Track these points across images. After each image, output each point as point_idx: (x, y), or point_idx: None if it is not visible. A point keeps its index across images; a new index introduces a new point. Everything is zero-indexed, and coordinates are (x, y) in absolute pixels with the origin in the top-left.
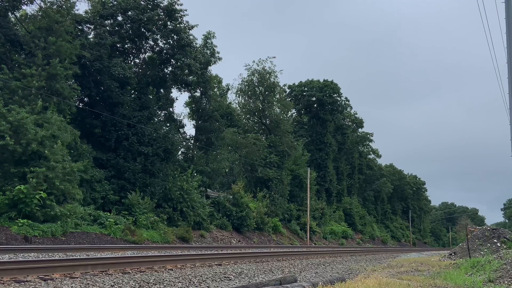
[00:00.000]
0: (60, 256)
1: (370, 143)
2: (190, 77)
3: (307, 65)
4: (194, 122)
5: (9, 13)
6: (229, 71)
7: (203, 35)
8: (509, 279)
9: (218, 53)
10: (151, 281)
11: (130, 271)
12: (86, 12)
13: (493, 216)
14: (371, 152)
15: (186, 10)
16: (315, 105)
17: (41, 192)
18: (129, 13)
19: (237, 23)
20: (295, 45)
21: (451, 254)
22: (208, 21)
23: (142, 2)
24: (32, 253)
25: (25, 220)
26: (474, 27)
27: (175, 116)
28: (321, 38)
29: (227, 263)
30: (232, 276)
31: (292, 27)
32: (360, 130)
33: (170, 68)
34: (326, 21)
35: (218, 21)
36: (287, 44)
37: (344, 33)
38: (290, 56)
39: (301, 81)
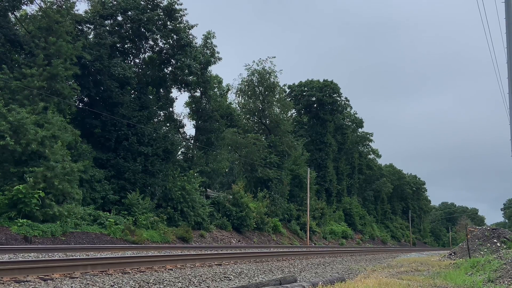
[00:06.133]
0: (60, 256)
1: (370, 143)
2: (190, 77)
3: (302, 57)
4: (194, 122)
5: (9, 13)
6: (220, 63)
7: (203, 35)
8: (509, 279)
9: (218, 53)
10: (151, 281)
11: (130, 271)
12: (86, 12)
13: (493, 216)
14: (371, 152)
15: (185, 10)
16: (315, 105)
17: (40, 191)
18: (129, 13)
19: (224, 14)
20: (288, 37)
21: (451, 254)
22: (199, 13)
23: (142, 2)
24: (32, 253)
25: (25, 220)
26: (477, 22)
27: (175, 116)
28: (317, 27)
29: (227, 263)
30: (232, 276)
31: (284, 17)
32: (360, 130)
33: (170, 68)
34: (320, 9)
35: (207, 12)
36: (280, 37)
37: (340, 21)
38: (283, 49)
39: (301, 81)
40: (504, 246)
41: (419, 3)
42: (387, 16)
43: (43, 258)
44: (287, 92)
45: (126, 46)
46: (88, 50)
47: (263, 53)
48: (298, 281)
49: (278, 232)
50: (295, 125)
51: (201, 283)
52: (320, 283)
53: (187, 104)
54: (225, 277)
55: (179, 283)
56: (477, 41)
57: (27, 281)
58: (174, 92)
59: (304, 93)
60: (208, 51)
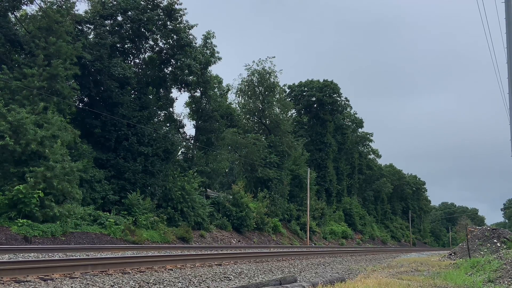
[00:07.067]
0: (60, 256)
1: (370, 143)
2: (190, 77)
3: (302, 57)
4: (194, 122)
5: (9, 13)
6: (220, 63)
7: (202, 35)
8: (509, 279)
9: (218, 53)
10: (151, 281)
11: (130, 271)
12: (86, 12)
13: (493, 216)
14: (371, 152)
15: (185, 10)
16: (315, 105)
17: (39, 191)
18: (129, 13)
19: (224, 13)
20: (288, 36)
21: (451, 254)
22: (198, 13)
23: (142, 2)
24: (32, 253)
25: (25, 220)
26: (477, 22)
27: (175, 116)
28: (317, 27)
29: (227, 263)
30: (232, 276)
31: (284, 17)
32: (360, 130)
33: (170, 68)
34: (320, 8)
35: (207, 12)
36: (280, 36)
37: (340, 21)
38: (283, 49)
39: (301, 81)
40: (504, 246)
41: (419, 2)
42: (386, 15)
43: (43, 258)
44: (287, 92)
45: (126, 46)
46: (88, 50)
47: (263, 52)
48: (298, 281)
49: (278, 232)
50: (295, 125)
51: (201, 283)
52: (320, 283)
53: (187, 104)
54: (225, 277)
55: (179, 283)
56: (477, 40)
57: (27, 281)
58: (174, 92)
59: (304, 93)
60: (208, 51)
